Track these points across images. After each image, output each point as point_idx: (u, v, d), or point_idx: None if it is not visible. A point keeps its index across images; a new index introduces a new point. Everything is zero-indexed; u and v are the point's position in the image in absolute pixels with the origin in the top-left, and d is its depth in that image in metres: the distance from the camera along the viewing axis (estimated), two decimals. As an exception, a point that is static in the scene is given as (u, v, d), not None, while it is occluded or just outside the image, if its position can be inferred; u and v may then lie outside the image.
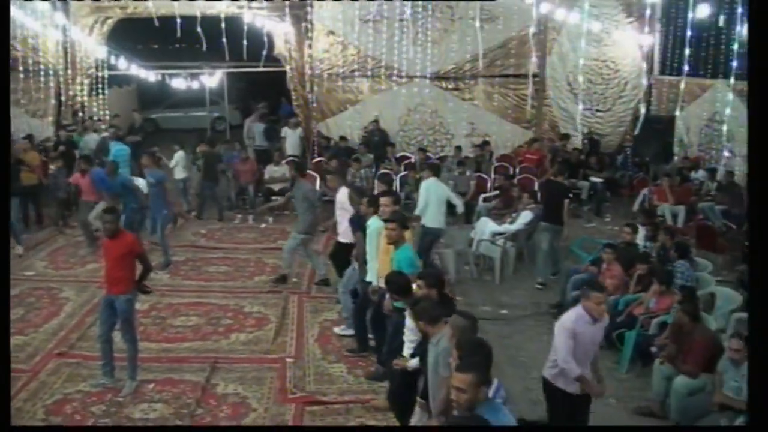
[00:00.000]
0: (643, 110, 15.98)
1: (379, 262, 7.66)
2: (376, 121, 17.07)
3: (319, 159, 16.22)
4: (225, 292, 10.25)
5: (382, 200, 7.97)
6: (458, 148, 16.51)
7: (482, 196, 13.91)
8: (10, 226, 10.00)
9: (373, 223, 7.94)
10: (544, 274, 10.76)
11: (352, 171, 13.86)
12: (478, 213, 12.88)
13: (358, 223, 8.53)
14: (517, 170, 15.83)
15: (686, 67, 14.44)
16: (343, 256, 9.41)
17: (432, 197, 9.89)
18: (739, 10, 13.38)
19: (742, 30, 12.50)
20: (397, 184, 14.65)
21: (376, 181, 11.41)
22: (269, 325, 9.08)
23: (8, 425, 4.56)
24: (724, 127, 14.76)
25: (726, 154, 15.13)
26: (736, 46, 13.30)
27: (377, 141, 16.57)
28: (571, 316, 5.79)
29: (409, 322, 6.25)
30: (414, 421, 5.86)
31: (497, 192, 13.71)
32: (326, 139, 17.40)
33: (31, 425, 6.40)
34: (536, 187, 14.34)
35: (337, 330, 8.90)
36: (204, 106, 21.63)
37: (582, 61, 16.66)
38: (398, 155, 16.63)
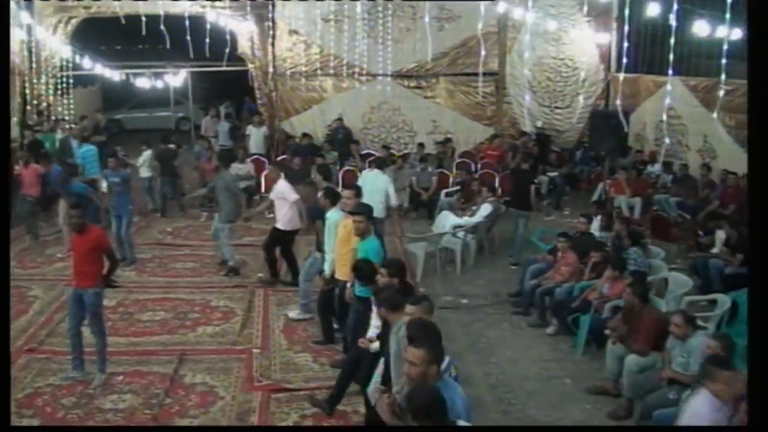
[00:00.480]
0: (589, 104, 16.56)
1: (337, 253, 7.88)
2: (340, 119, 17.32)
3: (283, 157, 16.39)
4: (192, 287, 10.39)
5: (344, 193, 8.22)
6: (421, 145, 16.81)
7: (444, 191, 14.23)
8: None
9: (333, 215, 8.14)
10: (517, 255, 11.38)
11: (316, 168, 14.05)
12: (440, 207, 13.18)
13: (317, 215, 8.80)
14: (479, 166, 16.16)
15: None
16: (283, 242, 10.09)
17: (367, 188, 10.08)
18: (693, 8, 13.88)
19: (689, 28, 12.95)
20: (392, 191, 14.96)
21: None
22: (235, 318, 9.24)
23: (8, 425, 4.60)
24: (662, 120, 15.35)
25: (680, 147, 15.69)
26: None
27: (341, 138, 16.83)
28: (705, 407, 5.18)
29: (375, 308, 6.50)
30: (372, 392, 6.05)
31: (458, 187, 14.03)
32: (290, 137, 17.60)
33: (31, 425, 6.48)
34: (497, 182, 14.75)
35: (291, 315, 9.23)
36: (168, 106, 21.70)
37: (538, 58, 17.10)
38: (362, 152, 16.90)
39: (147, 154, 14.32)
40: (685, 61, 15.13)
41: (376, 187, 10.43)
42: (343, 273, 7.77)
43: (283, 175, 10.58)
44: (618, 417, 6.86)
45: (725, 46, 12.64)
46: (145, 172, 14.31)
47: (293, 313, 9.26)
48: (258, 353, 8.22)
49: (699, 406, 5.18)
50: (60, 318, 8.91)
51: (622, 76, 16.83)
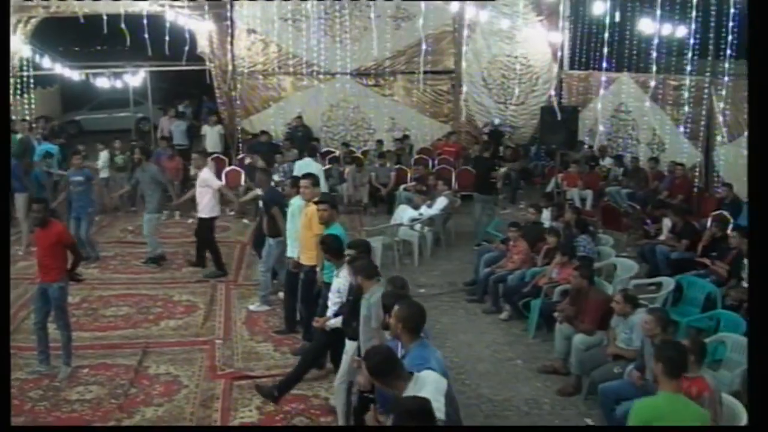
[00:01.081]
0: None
1: (301, 239, 8.18)
2: (299, 117, 17.51)
3: (243, 155, 16.56)
4: (154, 283, 10.57)
5: (302, 182, 8.51)
6: (380, 142, 17.16)
7: (402, 186, 14.56)
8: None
9: (295, 202, 8.55)
10: (480, 237, 12.06)
11: (276, 164, 14.31)
12: (398, 201, 13.51)
13: (273, 201, 9.23)
14: (436, 162, 16.51)
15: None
16: (204, 230, 10.68)
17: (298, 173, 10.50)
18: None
19: (636, 26, 13.47)
20: (322, 178, 15.24)
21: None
22: (198, 312, 9.47)
23: (8, 425, 4.66)
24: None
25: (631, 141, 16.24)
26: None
27: (301, 136, 17.03)
28: None
29: (336, 284, 6.80)
30: (340, 380, 6.36)
31: (416, 182, 14.37)
32: (254, 135, 17.76)
33: (31, 425, 6.58)
34: (453, 177, 15.14)
35: (251, 307, 9.53)
36: (128, 107, 21.64)
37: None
38: (323, 150, 17.16)
39: (104, 154, 14.42)
40: (634, 58, 15.68)
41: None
42: (307, 258, 8.09)
43: (208, 165, 11.23)
44: (566, 393, 7.24)
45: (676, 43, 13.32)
46: (104, 173, 14.44)
47: (254, 306, 9.55)
48: (220, 344, 8.46)
49: None
50: (24, 315, 9.07)
51: (575, 72, 17.51)
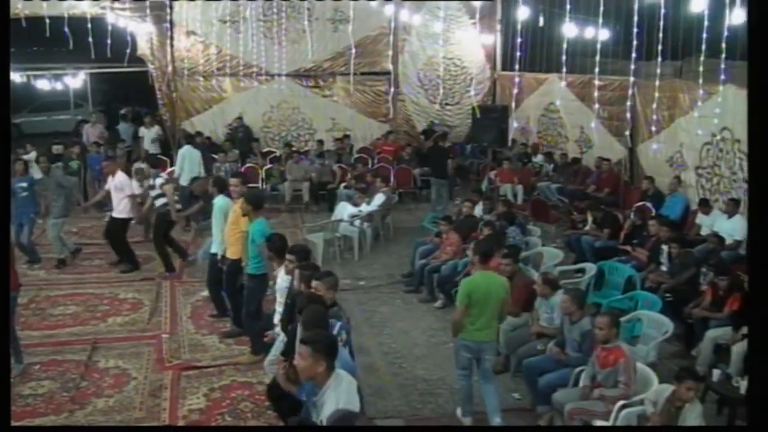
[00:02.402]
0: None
1: (227, 234, 8.59)
2: (240, 118, 17.79)
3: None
4: (100, 282, 10.80)
5: (231, 181, 9.05)
6: (320, 142, 17.55)
7: (343, 184, 14.99)
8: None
9: (219, 201, 8.97)
10: (437, 212, 13.36)
11: (218, 164, 14.62)
12: (339, 199, 13.95)
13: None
14: (375, 161, 16.99)
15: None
16: (118, 230, 11.15)
17: (187, 159, 11.51)
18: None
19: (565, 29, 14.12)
20: (262, 176, 15.65)
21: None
22: (144, 308, 9.76)
23: (8, 425, 4.76)
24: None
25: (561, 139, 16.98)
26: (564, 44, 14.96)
27: (241, 137, 17.34)
28: None
29: (280, 283, 7.12)
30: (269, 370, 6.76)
31: (355, 180, 14.82)
32: (195, 133, 17.92)
33: (31, 425, 6.74)
34: (392, 176, 15.64)
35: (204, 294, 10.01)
36: (68, 109, 21.56)
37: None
38: (264, 150, 17.49)
39: (32, 155, 14.45)
40: (562, 60, 16.38)
41: (192, 158, 12.26)
42: (232, 252, 8.54)
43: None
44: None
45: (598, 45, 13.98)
46: (36, 174, 14.47)
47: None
48: (167, 338, 8.78)
49: None
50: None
51: (507, 73, 18.15)
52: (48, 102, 22.56)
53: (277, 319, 7.07)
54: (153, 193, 11.23)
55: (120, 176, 11.13)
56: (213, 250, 9.04)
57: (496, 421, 6.67)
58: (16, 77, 17.18)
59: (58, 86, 17.99)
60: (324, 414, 4.41)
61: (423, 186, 16.41)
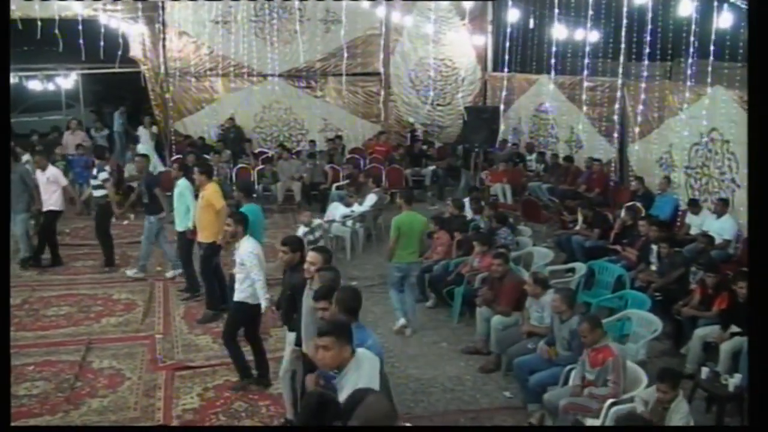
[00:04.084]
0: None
1: (198, 219, 9.33)
2: (232, 119, 17.84)
3: (177, 156, 16.76)
4: (93, 283, 10.82)
5: (196, 170, 9.60)
6: (312, 142, 17.63)
7: (335, 184, 15.06)
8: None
9: (182, 183, 9.86)
10: None
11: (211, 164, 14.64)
12: (331, 199, 14.01)
13: (153, 184, 10.76)
14: (367, 161, 17.06)
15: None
16: (50, 223, 11.43)
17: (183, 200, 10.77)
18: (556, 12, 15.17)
19: (555, 31, 14.24)
20: (254, 177, 15.69)
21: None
22: (137, 309, 9.79)
23: (8, 425, 4.77)
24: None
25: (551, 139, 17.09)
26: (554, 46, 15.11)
27: (233, 137, 17.39)
28: None
29: (239, 257, 7.25)
30: (285, 366, 6.67)
31: (348, 180, 14.88)
32: (184, 137, 18.01)
33: (31, 425, 6.75)
34: (384, 176, 15.70)
35: (128, 273, 10.94)
36: (60, 109, 21.51)
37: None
38: (256, 151, 17.54)
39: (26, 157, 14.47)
40: (552, 61, 16.50)
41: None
42: (204, 236, 9.25)
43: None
44: (487, 370, 7.89)
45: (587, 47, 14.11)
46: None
47: (131, 272, 10.92)
48: (161, 338, 8.83)
49: None
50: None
51: (498, 74, 18.25)
52: (39, 102, 22.50)
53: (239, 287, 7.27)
54: (93, 182, 11.57)
55: (51, 169, 11.40)
56: (177, 227, 9.89)
57: (401, 322, 8.92)
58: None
59: (50, 87, 17.90)
60: (342, 396, 4.28)
61: (414, 186, 16.49)
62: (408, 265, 8.90)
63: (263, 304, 7.10)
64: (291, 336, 6.58)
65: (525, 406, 7.07)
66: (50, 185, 11.28)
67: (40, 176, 11.31)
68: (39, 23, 15.06)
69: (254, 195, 10.32)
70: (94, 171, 11.60)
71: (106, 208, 11.44)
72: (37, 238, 11.70)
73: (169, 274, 10.96)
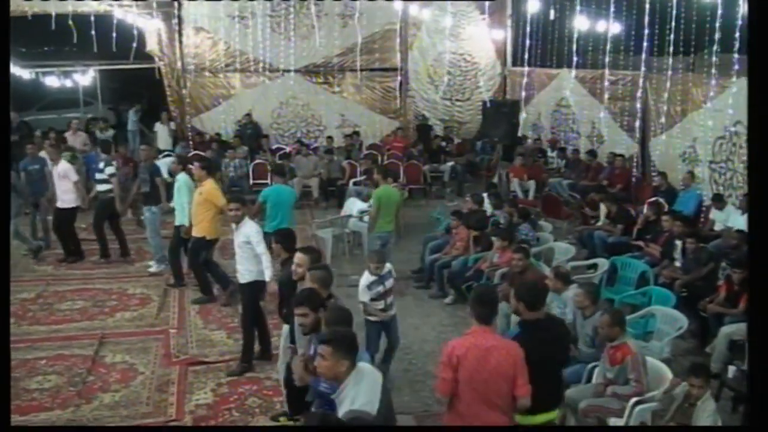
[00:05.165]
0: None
1: (194, 214, 9.44)
2: (249, 115, 17.76)
3: (195, 152, 16.67)
4: (109, 277, 10.75)
5: (194, 164, 9.76)
6: (330, 138, 17.49)
7: (352, 180, 14.91)
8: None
9: (181, 178, 9.89)
10: None
11: (226, 160, 14.60)
12: (348, 195, 13.86)
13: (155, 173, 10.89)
14: (385, 157, 16.87)
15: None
16: (68, 220, 11.31)
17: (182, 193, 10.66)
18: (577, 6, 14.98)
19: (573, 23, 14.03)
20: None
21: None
22: (152, 304, 9.69)
23: (8, 425, 4.72)
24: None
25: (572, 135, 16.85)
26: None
27: (250, 133, 17.29)
28: None
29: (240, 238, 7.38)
30: (281, 360, 6.69)
31: (365, 176, 14.72)
32: (200, 134, 17.95)
33: (31, 425, 6.65)
34: (401, 171, 15.54)
35: (151, 270, 10.84)
36: (78, 107, 21.53)
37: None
38: (273, 147, 17.44)
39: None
40: (573, 55, 16.28)
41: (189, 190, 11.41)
42: (198, 230, 9.44)
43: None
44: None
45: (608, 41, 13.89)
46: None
47: (153, 268, 10.86)
48: (175, 333, 8.71)
49: None
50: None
51: (518, 69, 18.02)
52: (57, 100, 22.56)
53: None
54: (98, 176, 11.45)
55: (63, 165, 11.18)
56: (177, 222, 9.91)
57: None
58: (24, 74, 17.14)
59: (68, 84, 17.87)
60: (341, 413, 4.25)
61: (433, 182, 16.31)
62: (387, 233, 9.83)
63: (268, 275, 7.37)
64: (286, 329, 6.51)
65: (640, 426, 6.83)
66: (61, 181, 11.16)
67: (54, 171, 11.26)
68: (53, 18, 15.01)
69: (286, 176, 10.49)
70: (101, 165, 11.51)
71: (108, 203, 11.36)
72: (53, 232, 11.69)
73: (153, 268, 10.90)
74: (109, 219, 11.50)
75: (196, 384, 7.43)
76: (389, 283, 7.28)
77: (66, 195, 11.15)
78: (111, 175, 11.30)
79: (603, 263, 9.47)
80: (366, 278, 7.12)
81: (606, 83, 15.21)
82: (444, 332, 8.74)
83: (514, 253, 8.19)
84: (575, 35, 15.28)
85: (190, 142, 17.58)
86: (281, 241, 6.97)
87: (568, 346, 5.70)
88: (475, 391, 4.60)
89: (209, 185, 9.45)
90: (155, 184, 10.75)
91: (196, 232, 9.43)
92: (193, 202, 9.47)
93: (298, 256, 6.18)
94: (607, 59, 14.70)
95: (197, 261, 9.63)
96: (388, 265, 7.34)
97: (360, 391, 4.29)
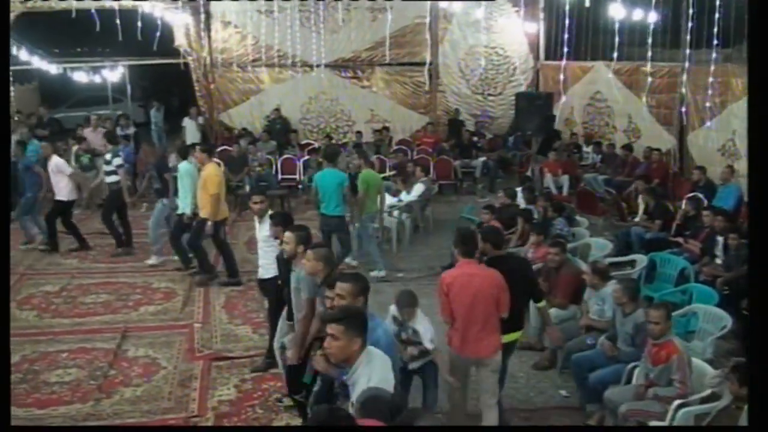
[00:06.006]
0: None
1: (200, 198, 9.68)
2: (277, 110, 17.58)
3: (223, 147, 16.54)
4: (133, 271, 10.62)
5: (197, 149, 10.08)
6: (359, 134, 17.24)
7: (381, 175, 14.60)
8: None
9: (183, 167, 10.03)
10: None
11: (251, 156, 14.47)
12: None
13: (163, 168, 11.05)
14: (414, 153, 16.58)
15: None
16: (64, 212, 11.39)
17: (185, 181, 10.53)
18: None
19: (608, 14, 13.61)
20: (300, 168, 15.39)
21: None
22: (177, 298, 9.53)
23: (8, 425, 4.66)
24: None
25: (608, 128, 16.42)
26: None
27: (279, 128, 17.11)
28: None
29: (263, 232, 7.25)
30: (278, 337, 6.60)
31: (395, 171, 14.45)
32: (228, 129, 17.81)
33: (31, 425, 6.50)
34: (431, 167, 15.25)
35: (149, 262, 10.83)
36: (107, 104, 21.56)
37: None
38: (303, 142, 17.24)
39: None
40: (608, 48, 15.87)
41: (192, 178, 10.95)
42: (205, 213, 9.64)
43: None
44: (542, 367, 7.37)
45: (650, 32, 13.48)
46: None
47: (151, 261, 10.82)
48: (199, 327, 8.52)
49: None
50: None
51: (551, 63, 17.62)
52: (86, 97, 22.65)
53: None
54: (106, 168, 11.42)
55: (56, 159, 11.26)
56: (179, 210, 10.06)
57: (382, 273, 10.10)
58: (53, 70, 17.13)
59: (96, 79, 17.85)
60: (355, 394, 4.02)
61: (463, 178, 16.00)
62: (373, 214, 10.44)
63: None
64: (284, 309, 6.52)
65: (583, 406, 6.55)
66: (55, 175, 11.17)
67: (48, 166, 11.29)
68: (73, 13, 14.96)
69: (334, 160, 10.60)
70: (108, 156, 11.43)
71: (117, 194, 11.37)
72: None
73: (152, 260, 10.86)
74: (118, 210, 11.49)
75: (219, 379, 7.22)
76: (410, 333, 6.14)
77: (62, 188, 11.19)
78: (119, 166, 11.27)
79: (641, 260, 9.09)
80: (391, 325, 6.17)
81: (642, 75, 14.79)
82: (475, 329, 8.42)
83: (551, 248, 7.86)
84: (610, 26, 14.87)
85: (218, 138, 17.45)
86: (279, 222, 6.81)
87: (527, 276, 6.30)
88: (463, 310, 5.63)
89: (210, 169, 9.71)
90: (165, 179, 10.85)
91: (204, 215, 9.68)
92: (198, 186, 9.73)
93: (286, 235, 6.17)
94: (645, 51, 14.27)
95: (198, 241, 9.94)
96: (422, 319, 6.25)
97: (374, 370, 4.08)
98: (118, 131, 16.88)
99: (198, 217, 9.77)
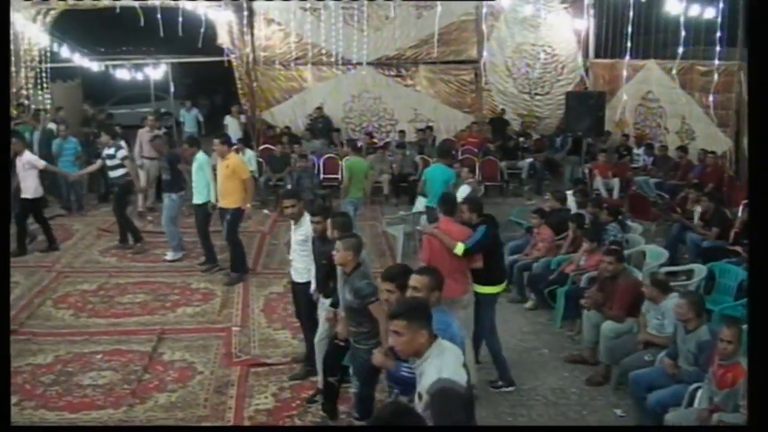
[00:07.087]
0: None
1: (222, 187, 9.74)
2: (320, 108, 17.36)
3: (265, 146, 16.37)
4: (172, 271, 10.43)
5: (215, 141, 9.95)
6: (402, 133, 16.93)
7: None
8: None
9: (200, 158, 10.07)
10: None
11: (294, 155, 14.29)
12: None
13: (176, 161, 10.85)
14: (459, 153, 16.18)
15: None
16: (34, 210, 11.10)
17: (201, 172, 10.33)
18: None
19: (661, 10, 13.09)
20: (342, 167, 15.09)
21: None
22: (215, 299, 9.30)
23: (8, 425, 4.61)
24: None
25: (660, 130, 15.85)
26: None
27: (321, 127, 16.89)
28: None
29: (300, 236, 6.98)
30: (320, 335, 6.47)
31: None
32: (270, 127, 17.64)
33: (31, 425, 6.36)
34: (477, 168, 14.84)
35: (167, 257, 10.79)
36: (149, 102, 21.55)
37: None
38: (344, 141, 16.97)
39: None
40: (660, 46, 15.32)
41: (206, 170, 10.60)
42: (227, 202, 9.71)
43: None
44: (595, 383, 6.95)
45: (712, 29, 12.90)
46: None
47: (169, 256, 10.83)
48: (237, 331, 8.28)
49: None
50: (39, 302, 9.05)
51: (601, 61, 17.10)
52: (129, 95, 22.69)
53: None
54: (110, 162, 11.21)
55: (27, 155, 10.94)
56: (195, 200, 10.12)
57: None
58: (95, 67, 17.13)
59: (138, 77, 17.83)
60: (424, 384, 3.75)
61: (509, 180, 15.58)
62: (357, 199, 10.97)
63: None
64: (326, 303, 6.44)
65: (639, 426, 6.13)
66: (24, 172, 10.80)
67: (18, 162, 10.81)
68: (117, 8, 14.88)
69: (359, 149, 10.81)
70: (111, 150, 11.21)
71: (127, 187, 11.31)
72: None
73: (169, 256, 10.83)
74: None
75: (256, 387, 6.96)
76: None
77: (29, 185, 10.80)
78: (124, 158, 11.16)
79: (700, 270, 8.57)
80: None
81: (697, 74, 14.20)
82: (524, 340, 8.04)
83: (605, 256, 7.43)
84: (663, 24, 14.31)
85: (260, 136, 17.27)
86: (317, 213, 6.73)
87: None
88: (438, 260, 6.33)
89: (234, 158, 9.91)
90: (175, 171, 10.70)
91: (229, 204, 9.68)
92: (220, 176, 9.73)
93: (314, 218, 6.59)
94: (698, 49, 13.70)
95: (236, 232, 9.89)
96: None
97: (445, 362, 3.80)
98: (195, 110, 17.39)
99: (230, 209, 9.71)
